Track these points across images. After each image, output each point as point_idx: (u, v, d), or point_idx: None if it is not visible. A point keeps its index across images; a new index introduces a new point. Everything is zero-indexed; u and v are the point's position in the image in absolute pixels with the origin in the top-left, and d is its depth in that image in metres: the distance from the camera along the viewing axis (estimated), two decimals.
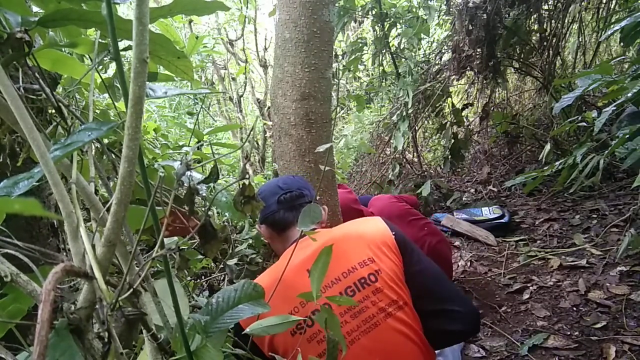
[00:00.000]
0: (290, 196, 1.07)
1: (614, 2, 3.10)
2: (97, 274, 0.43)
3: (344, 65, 3.45)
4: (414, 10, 3.13)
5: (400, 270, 0.95)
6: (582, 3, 2.91)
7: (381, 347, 0.86)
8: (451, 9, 3.07)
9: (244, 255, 1.41)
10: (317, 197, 1.37)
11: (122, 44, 0.64)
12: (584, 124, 1.93)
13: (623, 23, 1.45)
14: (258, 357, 0.85)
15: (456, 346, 1.11)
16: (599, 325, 1.54)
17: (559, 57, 3.27)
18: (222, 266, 1.39)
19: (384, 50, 3.23)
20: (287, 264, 0.76)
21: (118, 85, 0.85)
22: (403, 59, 3.26)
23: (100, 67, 0.99)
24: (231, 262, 1.31)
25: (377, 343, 0.86)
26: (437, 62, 3.43)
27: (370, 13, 3.10)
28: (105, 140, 0.83)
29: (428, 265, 1.01)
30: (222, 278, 1.48)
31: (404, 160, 3.46)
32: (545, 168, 2.02)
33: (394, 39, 3.37)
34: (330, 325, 0.60)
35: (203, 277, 1.54)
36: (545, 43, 3.13)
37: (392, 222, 1.06)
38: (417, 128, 3.49)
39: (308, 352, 0.84)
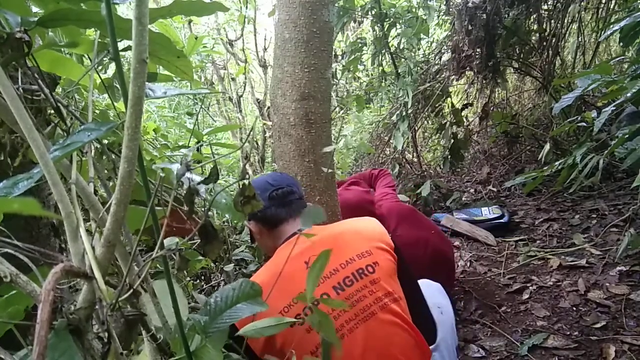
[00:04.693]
0: (282, 192, 1.08)
1: (613, 2, 3.10)
2: (97, 274, 0.43)
3: (343, 66, 3.45)
4: (414, 10, 3.13)
5: (395, 267, 0.98)
6: (582, 3, 2.90)
7: (377, 336, 0.87)
8: (451, 9, 3.07)
9: (242, 259, 1.40)
10: (317, 198, 1.37)
11: (121, 44, 0.64)
12: (584, 124, 1.93)
13: (622, 23, 1.45)
14: (251, 358, 0.86)
15: (450, 341, 1.11)
16: (598, 325, 1.54)
17: (558, 57, 3.27)
18: (221, 266, 1.38)
19: (384, 51, 3.23)
20: (288, 258, 0.77)
21: (117, 86, 0.85)
22: (402, 59, 3.26)
23: (100, 67, 0.99)
24: (228, 267, 1.31)
25: (373, 332, 0.87)
26: (436, 62, 3.43)
27: (369, 13, 3.09)
28: (105, 141, 0.83)
29: (412, 279, 1.04)
30: (219, 283, 1.47)
31: (404, 160, 3.46)
32: (545, 168, 2.02)
33: (393, 39, 3.37)
34: (324, 327, 0.60)
35: (202, 278, 1.53)
36: (544, 43, 3.13)
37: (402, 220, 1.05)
38: (416, 128, 3.49)
39: (306, 343, 0.84)
